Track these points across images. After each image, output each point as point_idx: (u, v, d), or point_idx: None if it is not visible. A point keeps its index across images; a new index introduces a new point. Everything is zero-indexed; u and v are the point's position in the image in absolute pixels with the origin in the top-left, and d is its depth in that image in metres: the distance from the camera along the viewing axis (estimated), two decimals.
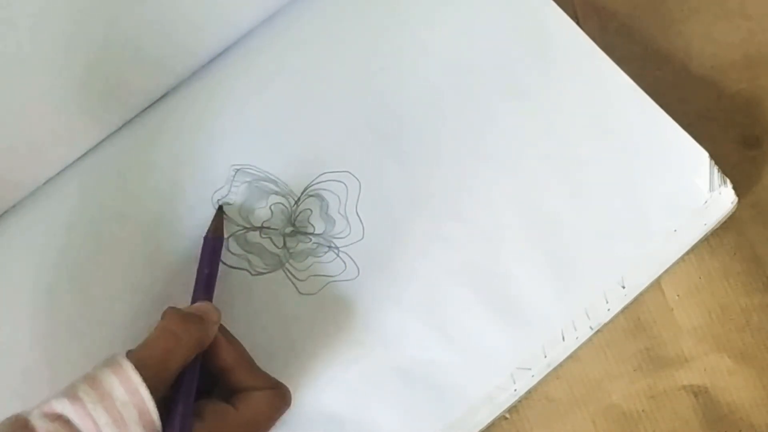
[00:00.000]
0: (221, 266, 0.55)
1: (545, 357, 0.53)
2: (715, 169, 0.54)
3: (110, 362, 0.45)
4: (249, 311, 0.55)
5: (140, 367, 0.44)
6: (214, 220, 0.55)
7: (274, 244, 0.56)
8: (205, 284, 0.52)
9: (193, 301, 0.51)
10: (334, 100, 0.58)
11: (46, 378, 0.54)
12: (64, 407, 0.43)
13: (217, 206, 0.56)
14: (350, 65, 0.59)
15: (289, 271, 0.55)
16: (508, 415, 0.55)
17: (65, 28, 0.50)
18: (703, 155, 0.54)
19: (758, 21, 0.61)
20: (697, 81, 0.60)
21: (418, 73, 0.58)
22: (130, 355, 0.46)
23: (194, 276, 0.54)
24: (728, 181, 0.54)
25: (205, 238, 0.54)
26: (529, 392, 0.54)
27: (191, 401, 0.47)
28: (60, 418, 0.43)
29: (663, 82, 0.60)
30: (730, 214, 0.55)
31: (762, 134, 0.59)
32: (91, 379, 0.44)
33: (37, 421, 0.43)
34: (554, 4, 0.58)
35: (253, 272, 0.55)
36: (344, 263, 0.55)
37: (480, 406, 0.53)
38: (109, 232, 0.56)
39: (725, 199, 0.54)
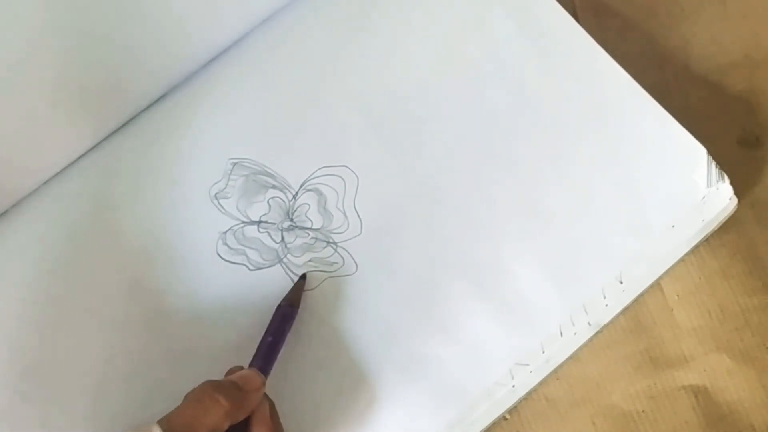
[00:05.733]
0: (220, 261, 0.55)
1: (543, 353, 0.53)
2: (713, 164, 0.54)
3: (140, 427, 0.45)
4: (247, 306, 0.55)
5: None
6: (292, 289, 0.54)
7: (272, 239, 0.56)
8: (265, 352, 0.51)
9: (250, 366, 0.51)
10: (331, 95, 0.58)
11: (45, 378, 0.54)
12: None
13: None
14: (348, 61, 0.59)
15: (287, 266, 0.55)
16: (508, 416, 0.55)
17: (65, 28, 0.51)
18: (701, 151, 0.54)
19: (758, 21, 0.61)
20: (697, 81, 0.60)
21: (417, 69, 0.58)
22: (159, 421, 0.46)
23: (194, 274, 0.54)
24: (726, 176, 0.54)
25: (278, 306, 0.53)
26: (529, 393, 0.54)
27: None
28: None
29: (663, 81, 0.60)
30: (730, 214, 0.55)
31: (762, 134, 0.59)
32: None
33: None
34: (555, 3, 0.58)
35: (251, 267, 0.55)
36: (342, 258, 0.55)
37: (479, 402, 0.53)
38: (108, 230, 0.56)
39: (723, 194, 0.54)
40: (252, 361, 0.51)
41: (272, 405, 0.50)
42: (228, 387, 0.47)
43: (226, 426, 0.46)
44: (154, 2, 0.53)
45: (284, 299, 0.53)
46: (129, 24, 0.53)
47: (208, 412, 0.46)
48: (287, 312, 0.53)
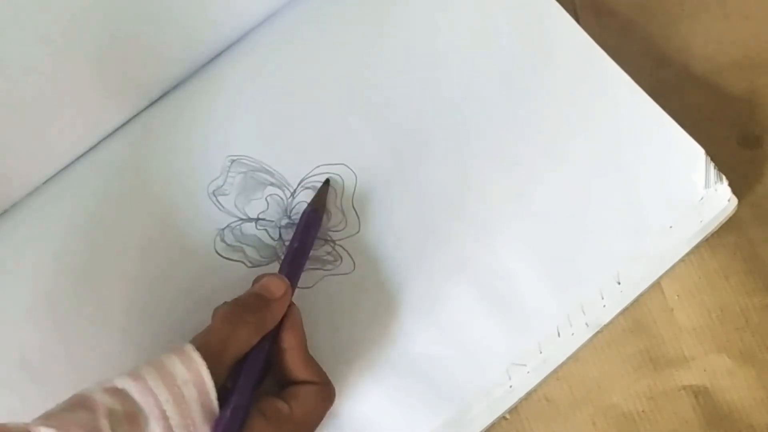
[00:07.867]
0: (217, 258, 0.55)
1: (541, 353, 0.53)
2: (711, 165, 0.54)
3: (173, 346, 0.46)
4: None
5: (200, 352, 0.45)
6: (317, 194, 0.55)
7: (270, 236, 0.56)
8: (291, 258, 0.52)
9: (279, 273, 0.51)
10: (330, 93, 0.58)
11: (48, 377, 0.54)
12: (124, 383, 0.44)
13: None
14: (347, 60, 0.59)
15: None
16: (507, 416, 0.55)
17: (69, 24, 0.51)
18: (699, 152, 0.54)
19: (758, 21, 0.61)
20: (697, 81, 0.60)
21: (415, 68, 0.58)
22: (192, 340, 0.46)
23: (192, 271, 0.54)
24: (724, 177, 0.54)
25: (303, 211, 0.54)
26: (528, 393, 0.54)
27: (250, 389, 0.47)
28: (120, 393, 0.43)
29: (663, 82, 0.60)
30: (729, 215, 0.55)
31: (762, 134, 0.59)
32: (153, 361, 0.45)
33: (97, 396, 0.43)
34: (555, 3, 0.58)
35: (249, 264, 0.55)
36: (340, 257, 0.55)
37: (476, 402, 0.53)
38: (105, 226, 0.56)
39: (721, 196, 0.54)
40: (281, 266, 0.52)
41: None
42: (253, 303, 0.48)
43: (256, 339, 0.47)
44: None
45: (308, 204, 0.54)
46: (133, 18, 0.54)
47: (237, 331, 0.47)
48: (311, 217, 0.53)
